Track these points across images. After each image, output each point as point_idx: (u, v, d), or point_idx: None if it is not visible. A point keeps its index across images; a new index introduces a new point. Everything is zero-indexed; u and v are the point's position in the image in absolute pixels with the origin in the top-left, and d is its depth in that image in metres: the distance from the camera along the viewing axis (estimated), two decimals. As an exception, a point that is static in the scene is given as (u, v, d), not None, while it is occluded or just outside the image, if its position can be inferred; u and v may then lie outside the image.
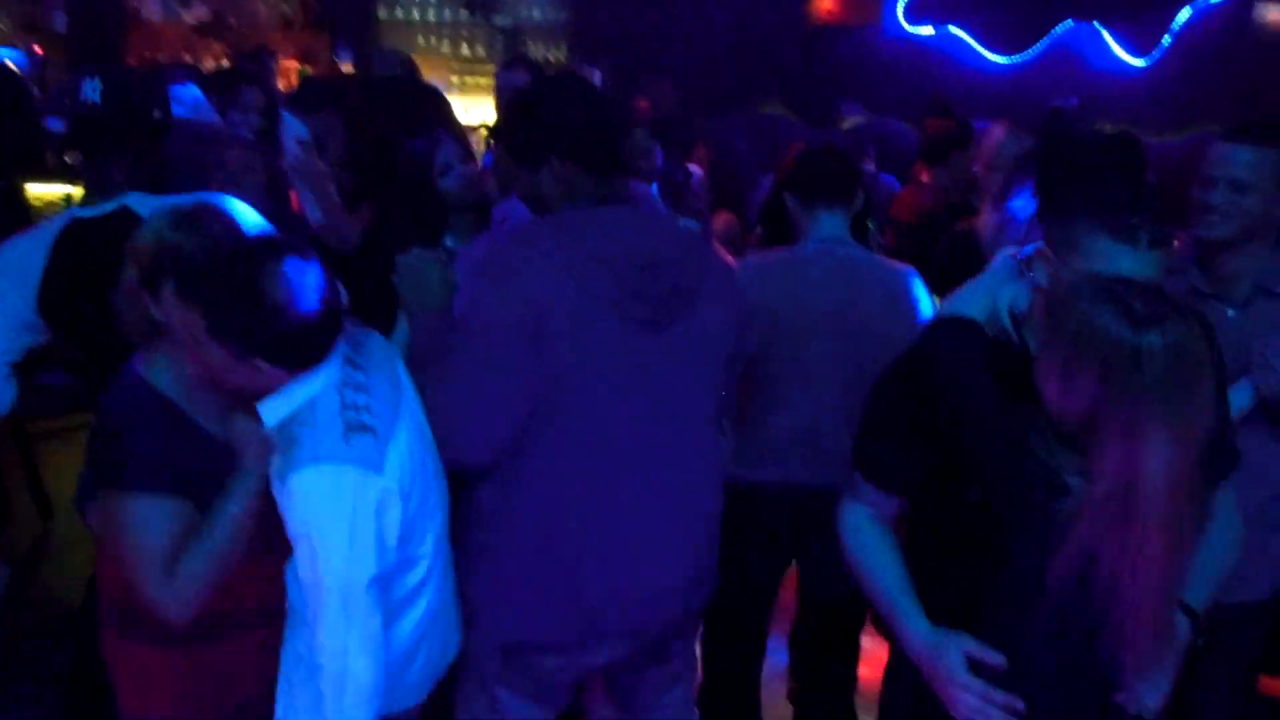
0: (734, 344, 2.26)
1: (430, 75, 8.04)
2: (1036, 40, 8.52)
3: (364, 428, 1.82)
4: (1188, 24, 8.44)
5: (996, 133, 3.87)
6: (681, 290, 2.11)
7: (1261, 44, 8.36)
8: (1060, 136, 3.98)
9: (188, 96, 3.88)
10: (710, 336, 2.17)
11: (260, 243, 1.81)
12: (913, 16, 8.45)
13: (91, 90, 2.41)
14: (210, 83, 4.14)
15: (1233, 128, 2.49)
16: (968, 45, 8.57)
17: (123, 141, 2.46)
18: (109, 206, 2.42)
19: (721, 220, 5.04)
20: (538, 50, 8.27)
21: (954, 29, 8.52)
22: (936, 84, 8.52)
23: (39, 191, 5.55)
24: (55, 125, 6.68)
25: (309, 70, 7.85)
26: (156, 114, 2.50)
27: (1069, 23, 8.49)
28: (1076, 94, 8.67)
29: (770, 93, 8.57)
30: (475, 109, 7.91)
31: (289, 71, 7.86)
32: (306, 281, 1.74)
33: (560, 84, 2.25)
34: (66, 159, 5.62)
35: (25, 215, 4.95)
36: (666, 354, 2.10)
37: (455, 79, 8.25)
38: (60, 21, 7.65)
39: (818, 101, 8.56)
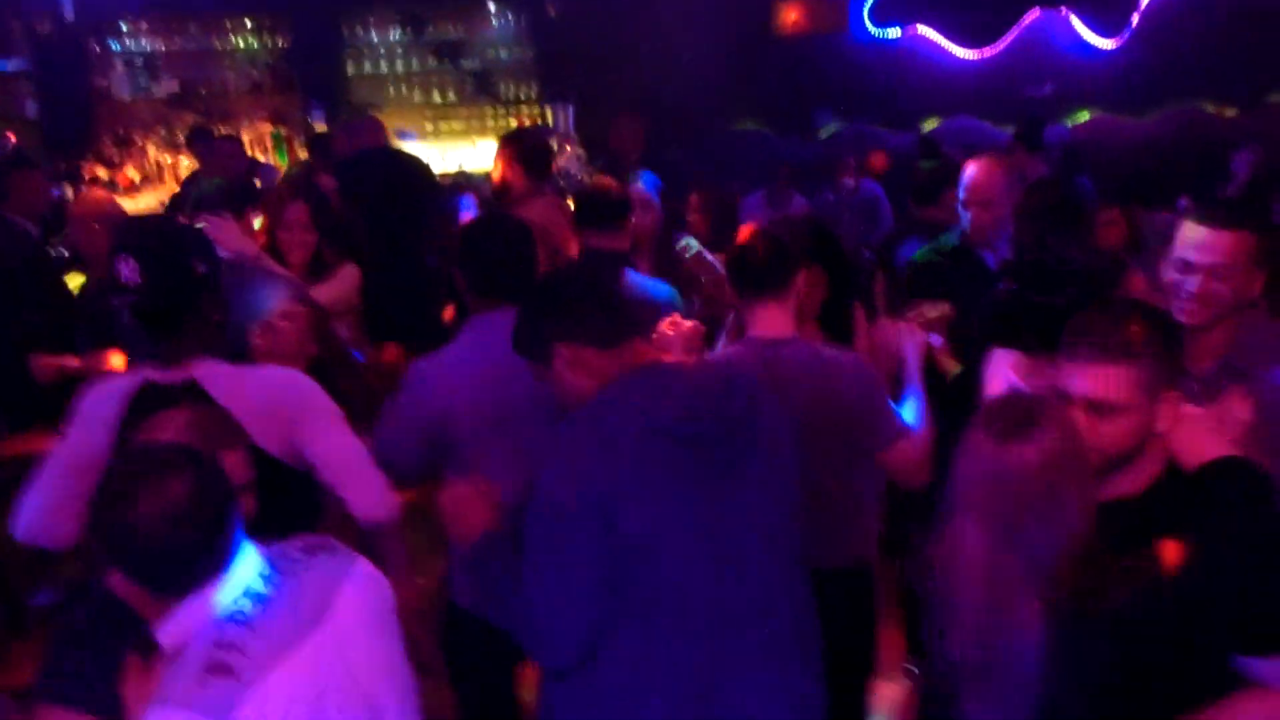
0: (794, 474, 2.22)
1: (403, 124, 8.10)
2: (1005, 32, 8.51)
3: (225, 670, 1.70)
4: (1154, 2, 8.44)
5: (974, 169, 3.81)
6: (737, 432, 2.09)
7: (1230, 17, 8.34)
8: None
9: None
10: (776, 470, 2.15)
11: (148, 455, 1.80)
12: (879, 20, 8.45)
13: (130, 271, 2.36)
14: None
15: (1205, 208, 2.47)
16: (937, 43, 8.57)
17: (177, 311, 2.42)
18: (179, 376, 2.42)
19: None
20: (508, 90, 8.27)
21: (922, 28, 8.51)
22: (909, 84, 8.53)
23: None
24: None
25: (282, 132, 7.87)
26: (201, 268, 2.44)
27: (1036, 11, 8.48)
28: (1049, 81, 8.69)
29: (745, 110, 8.57)
30: (450, 154, 7.92)
31: (263, 135, 7.88)
32: (175, 505, 1.68)
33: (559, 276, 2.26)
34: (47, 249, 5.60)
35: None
36: (739, 500, 2.08)
37: (429, 126, 8.25)
38: (31, 108, 7.69)
39: (793, 114, 8.57)
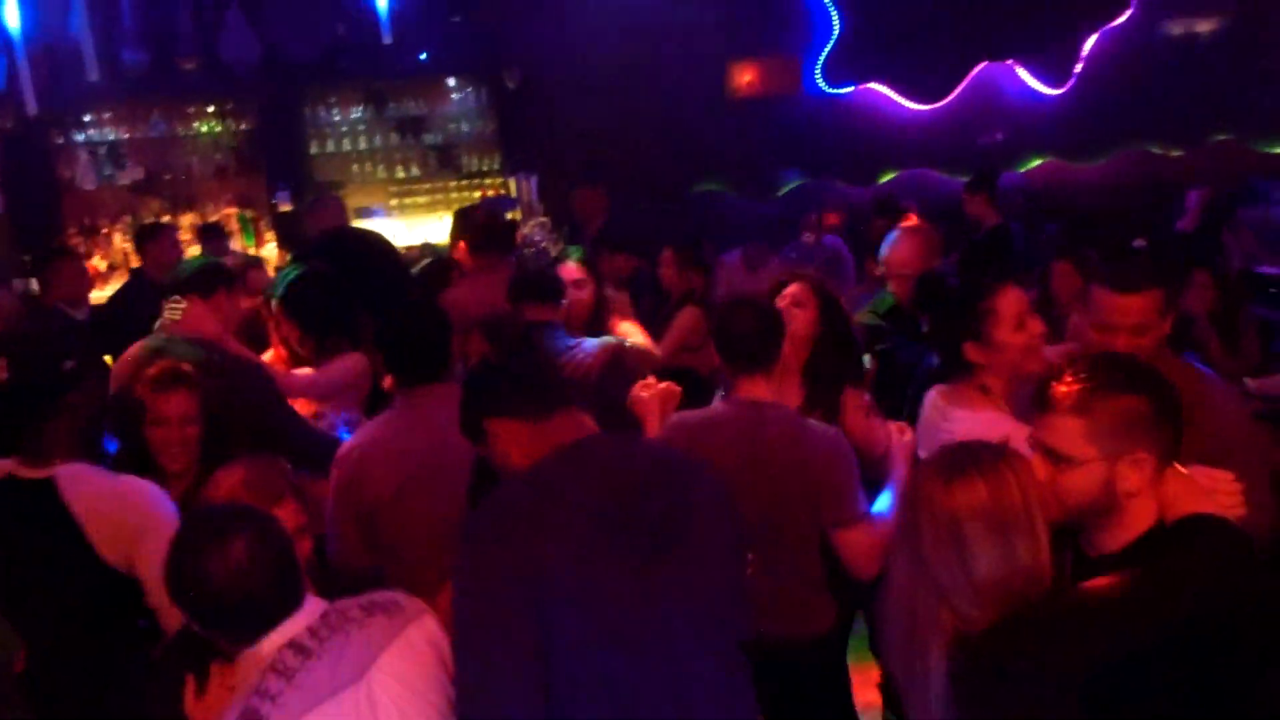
0: (736, 551, 2.21)
1: (367, 201, 8.18)
2: (955, 86, 8.73)
3: (256, 717, 1.83)
4: (1095, 49, 8.69)
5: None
6: (670, 516, 2.08)
7: (1169, 61, 8.61)
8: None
9: None
10: (711, 549, 2.12)
11: (212, 517, 2.01)
12: (831, 80, 8.65)
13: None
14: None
15: (1115, 273, 2.68)
16: (890, 98, 8.77)
17: (40, 408, 2.50)
18: (38, 475, 2.50)
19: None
20: (471, 163, 8.38)
21: (874, 85, 8.71)
22: (865, 139, 8.72)
23: None
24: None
25: (249, 215, 7.92)
26: (68, 364, 2.56)
27: (983, 63, 8.71)
28: (1000, 130, 8.91)
29: (705, 172, 8.72)
30: (415, 228, 8.00)
31: (229, 218, 7.93)
32: (238, 562, 1.84)
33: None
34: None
35: None
36: (670, 583, 2.05)
37: (394, 202, 8.33)
38: (-4, 201, 7.70)
39: (752, 173, 8.73)
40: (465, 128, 8.37)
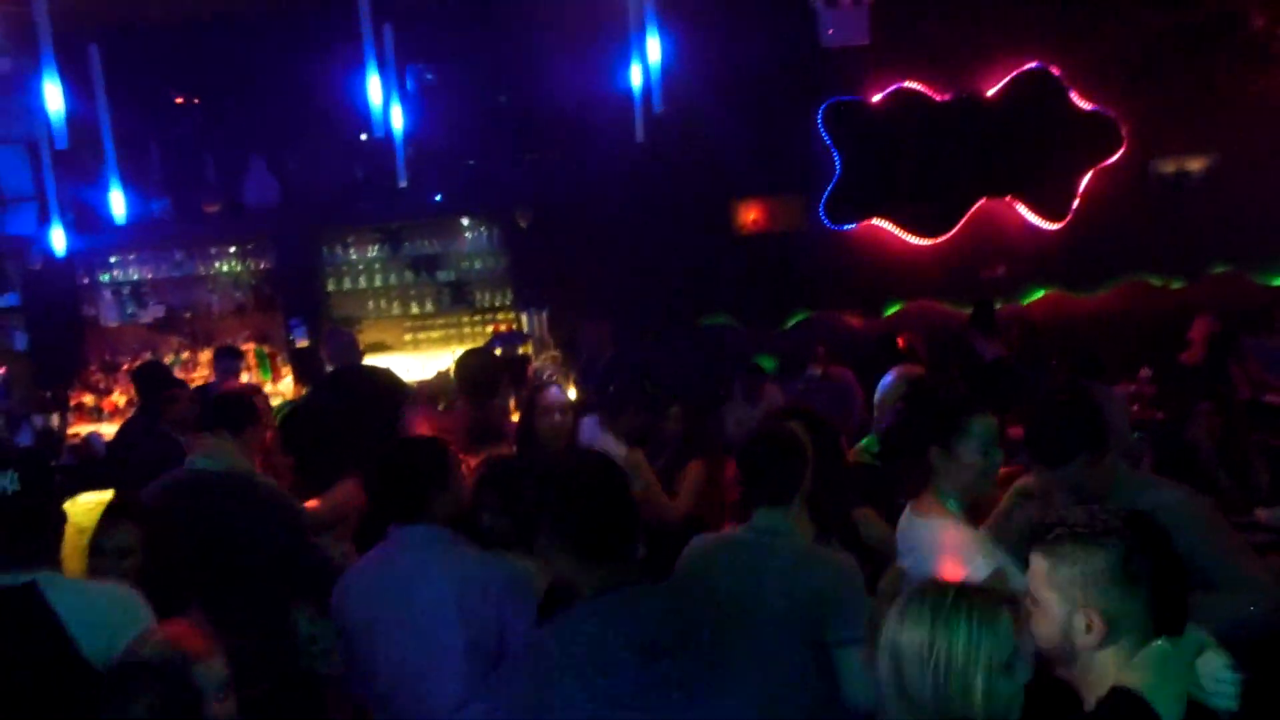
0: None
1: (382, 336, 8.35)
2: (956, 222, 8.94)
3: None
4: (1090, 185, 8.93)
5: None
6: (697, 664, 2.14)
7: (1164, 196, 8.84)
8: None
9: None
10: (743, 684, 2.21)
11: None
12: (834, 217, 8.88)
13: (9, 481, 2.56)
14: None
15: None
16: (890, 234, 8.99)
17: (40, 523, 2.61)
18: (20, 579, 2.56)
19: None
20: (484, 299, 8.58)
21: (877, 221, 8.94)
22: (870, 271, 8.90)
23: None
24: (25, 440, 6.78)
25: (266, 350, 8.09)
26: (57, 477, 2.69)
27: (983, 200, 8.95)
28: (1002, 263, 9.09)
29: (711, 305, 8.89)
30: (430, 363, 8.14)
31: (247, 353, 8.09)
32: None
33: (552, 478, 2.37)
34: None
35: None
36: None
37: (408, 337, 8.51)
38: (21, 340, 7.91)
39: (758, 307, 8.89)
40: (478, 265, 8.60)
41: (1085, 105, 8.83)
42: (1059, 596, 1.93)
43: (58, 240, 7.18)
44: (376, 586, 2.91)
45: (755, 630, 2.61)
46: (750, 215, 8.90)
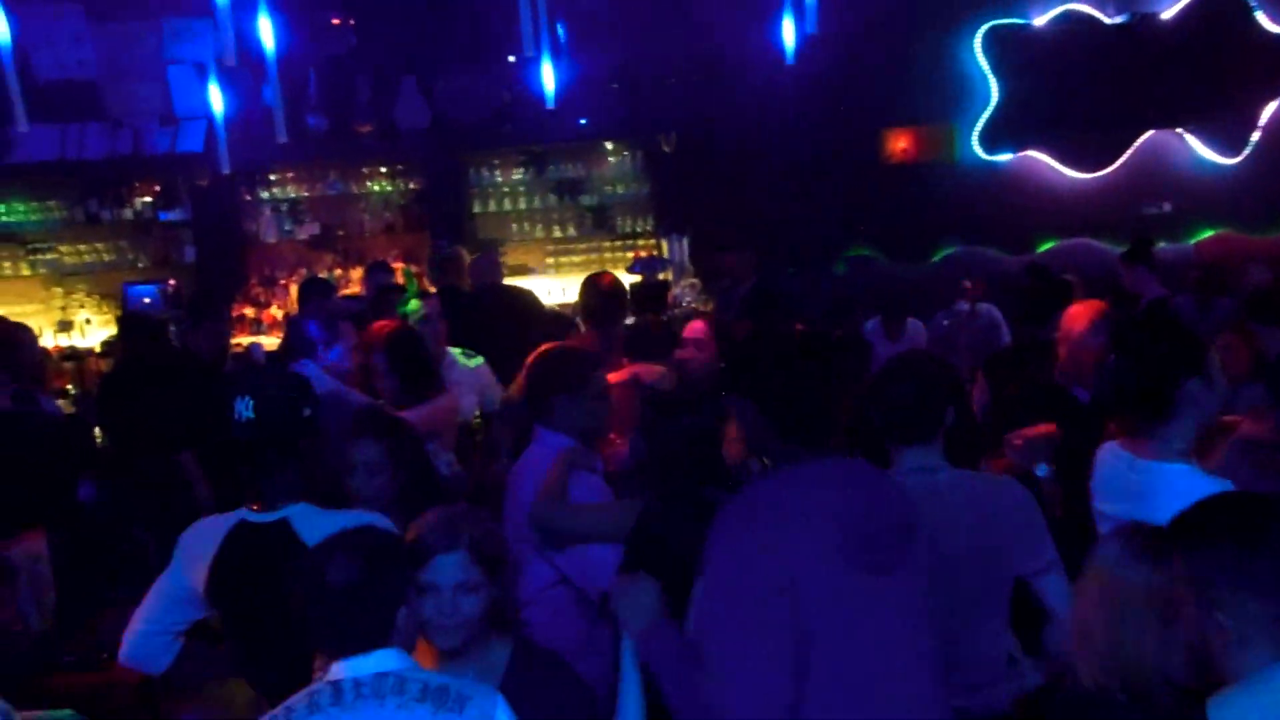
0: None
1: (525, 259, 8.49)
2: (1119, 156, 8.49)
3: None
4: (1275, 118, 8.32)
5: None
6: (899, 534, 2.20)
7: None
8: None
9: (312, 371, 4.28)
10: (924, 577, 2.25)
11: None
12: (989, 146, 8.53)
13: (245, 408, 2.60)
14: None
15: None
16: (1046, 166, 8.59)
17: (283, 452, 2.65)
18: (272, 516, 2.64)
19: None
20: (625, 224, 8.60)
21: (1033, 153, 8.56)
22: (1023, 206, 8.55)
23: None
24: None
25: (412, 269, 8.31)
26: (306, 412, 2.68)
27: (1151, 132, 8.45)
28: (1167, 199, 8.59)
29: (856, 236, 8.70)
30: (570, 287, 8.23)
31: (396, 272, 8.33)
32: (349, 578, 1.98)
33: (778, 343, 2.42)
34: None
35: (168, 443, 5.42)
36: (895, 600, 2.16)
37: (550, 260, 8.62)
38: (189, 254, 8.33)
39: (905, 239, 8.66)
40: (621, 190, 8.61)
41: (1275, 28, 8.19)
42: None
43: (223, 158, 7.50)
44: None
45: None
46: (899, 144, 8.63)
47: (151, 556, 4.32)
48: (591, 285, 5.01)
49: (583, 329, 4.97)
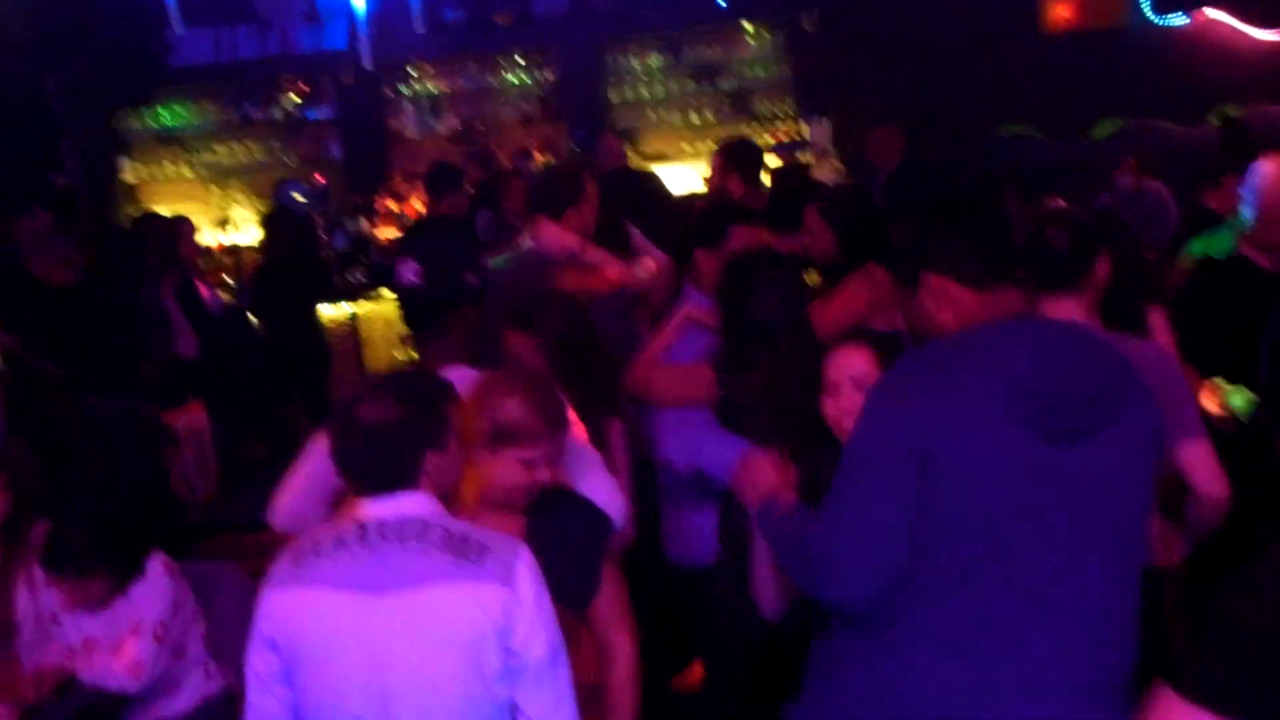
0: (1155, 460, 2.04)
1: (662, 147, 8.37)
2: (1312, 9, 7.70)
3: (293, 560, 1.99)
4: None
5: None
6: (1099, 399, 1.91)
7: None
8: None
9: None
10: (1136, 450, 1.96)
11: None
12: (1160, 8, 7.86)
13: (411, 273, 2.59)
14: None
15: None
16: (1227, 27, 7.86)
17: (448, 316, 2.62)
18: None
19: None
20: (764, 108, 8.35)
21: (1210, 12, 7.84)
22: (1199, 73, 7.88)
23: (328, 313, 6.25)
24: (340, 243, 7.47)
25: (551, 160, 8.31)
26: (470, 279, 2.65)
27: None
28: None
29: (1011, 113, 8.21)
30: (707, 174, 8.08)
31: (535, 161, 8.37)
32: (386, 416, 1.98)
33: (941, 206, 2.22)
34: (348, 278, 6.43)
35: (321, 336, 5.70)
36: (1087, 470, 1.89)
37: (687, 147, 8.46)
38: (336, 150, 8.54)
39: (1063, 115, 8.12)
40: (761, 72, 8.35)
41: None
42: None
43: (365, 53, 7.60)
44: None
45: None
46: (1061, 11, 8.04)
47: (302, 430, 4.53)
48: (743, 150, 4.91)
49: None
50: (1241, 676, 1.43)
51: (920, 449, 1.84)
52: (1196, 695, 1.44)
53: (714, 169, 4.89)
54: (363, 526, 1.93)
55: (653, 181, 6.13)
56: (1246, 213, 3.46)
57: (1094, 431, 1.89)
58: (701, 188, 7.64)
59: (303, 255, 5.94)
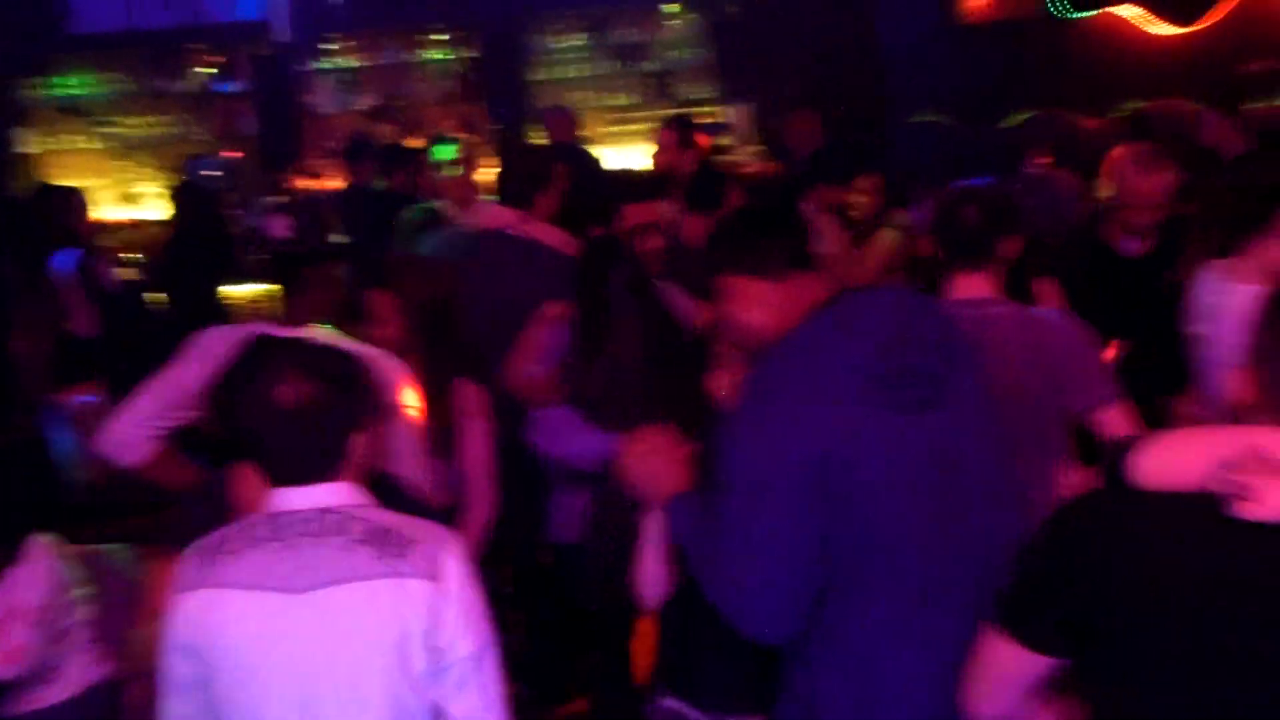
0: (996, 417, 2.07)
1: (584, 129, 8.32)
2: (1214, 3, 7.93)
3: (215, 555, 1.90)
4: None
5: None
6: (939, 364, 1.95)
7: None
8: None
9: None
10: (982, 409, 2.01)
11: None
12: (1077, 3, 8.02)
13: (282, 227, 2.66)
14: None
15: None
16: (1135, 23, 8.06)
17: (312, 272, 2.71)
18: (294, 333, 2.62)
19: None
20: (686, 91, 8.36)
21: (1122, 10, 8.02)
22: (1106, 65, 8.07)
23: (235, 292, 6.12)
24: (250, 220, 7.30)
25: (471, 139, 8.22)
26: (336, 240, 2.73)
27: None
28: (1268, 56, 8.02)
29: (924, 103, 8.33)
30: (631, 156, 8.07)
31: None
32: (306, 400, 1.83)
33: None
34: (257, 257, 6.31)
35: (225, 315, 5.59)
36: (943, 435, 1.93)
37: (606, 128, 8.43)
38: (250, 125, 8.34)
39: (976, 104, 8.26)
40: (684, 55, 8.35)
41: None
42: None
43: (281, 25, 7.43)
44: None
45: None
46: (977, 1, 8.17)
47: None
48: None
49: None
50: (1025, 601, 1.56)
51: (807, 453, 1.83)
52: (999, 622, 1.58)
53: (666, 145, 4.96)
54: (275, 520, 1.80)
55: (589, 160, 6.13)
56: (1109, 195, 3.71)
57: (941, 397, 1.93)
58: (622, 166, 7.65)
59: (209, 232, 5.81)
